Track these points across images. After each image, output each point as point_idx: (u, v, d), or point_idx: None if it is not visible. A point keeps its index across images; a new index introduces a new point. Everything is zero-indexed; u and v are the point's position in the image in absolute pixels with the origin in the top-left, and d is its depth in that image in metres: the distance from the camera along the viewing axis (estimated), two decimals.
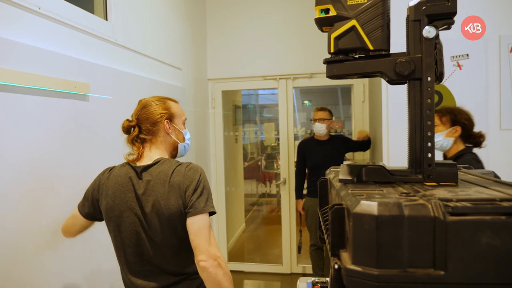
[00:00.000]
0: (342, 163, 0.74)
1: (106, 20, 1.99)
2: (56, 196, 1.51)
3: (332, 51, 0.75)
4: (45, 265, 1.45)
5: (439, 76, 0.71)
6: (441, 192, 0.60)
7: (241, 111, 5.18)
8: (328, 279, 1.50)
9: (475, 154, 1.83)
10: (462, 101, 2.28)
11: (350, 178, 0.73)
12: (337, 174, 0.81)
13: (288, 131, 3.72)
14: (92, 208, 1.34)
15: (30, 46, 1.38)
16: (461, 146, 1.85)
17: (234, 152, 4.74)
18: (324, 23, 0.75)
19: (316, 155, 3.24)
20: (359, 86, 3.57)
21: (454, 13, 0.68)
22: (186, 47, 3.16)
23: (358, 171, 0.73)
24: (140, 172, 1.27)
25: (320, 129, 3.17)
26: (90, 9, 1.90)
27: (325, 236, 0.71)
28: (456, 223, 0.51)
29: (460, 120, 1.83)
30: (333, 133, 3.58)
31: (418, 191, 0.62)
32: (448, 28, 0.70)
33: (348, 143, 3.31)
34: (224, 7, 3.72)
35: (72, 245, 1.58)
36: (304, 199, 3.36)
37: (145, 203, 1.23)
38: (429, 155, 0.70)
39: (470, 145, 1.86)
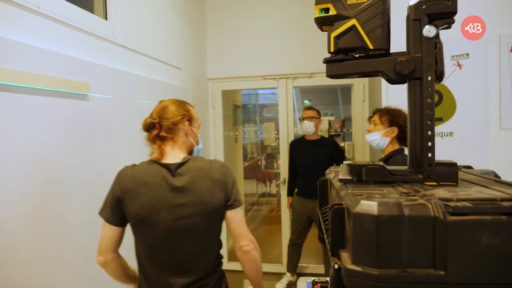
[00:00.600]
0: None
1: (106, 19, 1.99)
2: (56, 196, 1.51)
3: (332, 50, 0.74)
4: (45, 265, 1.45)
5: (439, 76, 0.71)
6: (441, 192, 0.60)
7: (241, 110, 5.18)
8: (328, 278, 1.50)
9: (406, 156, 1.86)
10: (462, 100, 2.28)
11: (350, 177, 0.73)
12: (337, 173, 0.81)
13: (288, 130, 3.72)
14: (120, 212, 1.27)
15: (30, 46, 1.38)
16: (396, 146, 1.91)
17: (234, 152, 4.74)
18: (324, 23, 0.75)
19: (303, 154, 3.29)
20: (359, 85, 3.56)
21: (454, 12, 0.68)
22: (186, 46, 3.16)
23: (358, 171, 0.73)
24: (174, 169, 1.28)
25: (309, 127, 3.22)
26: (90, 9, 1.90)
27: (325, 236, 0.71)
28: (456, 223, 0.50)
29: (398, 122, 1.87)
30: (333, 133, 3.60)
31: (418, 191, 0.61)
32: (449, 27, 0.70)
33: (336, 150, 3.32)
34: (224, 6, 3.72)
35: (77, 245, 1.58)
36: (293, 197, 3.44)
37: (186, 199, 1.26)
38: (429, 154, 0.69)
39: (404, 147, 1.92)
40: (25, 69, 1.34)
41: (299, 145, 3.37)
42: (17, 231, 1.32)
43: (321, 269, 3.57)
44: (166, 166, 1.29)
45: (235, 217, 1.34)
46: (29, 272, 1.36)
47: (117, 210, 1.27)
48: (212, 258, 1.36)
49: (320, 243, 0.86)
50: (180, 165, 1.30)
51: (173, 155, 1.33)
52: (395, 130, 1.88)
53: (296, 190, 3.41)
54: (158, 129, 1.33)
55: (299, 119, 3.41)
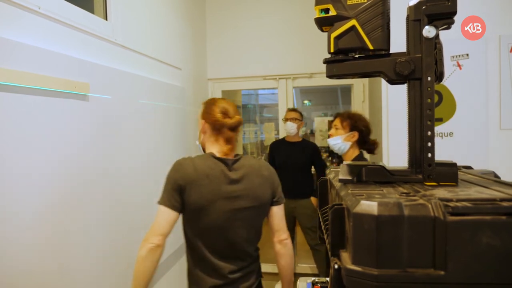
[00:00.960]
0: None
1: (106, 20, 1.99)
2: (55, 196, 1.51)
3: (332, 50, 0.74)
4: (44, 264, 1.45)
5: (439, 76, 0.71)
6: (441, 192, 0.60)
7: (241, 111, 5.18)
8: (328, 279, 1.50)
9: (366, 160, 2.00)
10: (462, 101, 2.28)
11: (350, 178, 0.73)
12: (337, 174, 0.81)
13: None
14: (180, 200, 1.37)
15: (29, 46, 1.38)
16: (356, 151, 1.98)
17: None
18: (324, 23, 0.75)
19: (284, 155, 3.35)
20: (359, 86, 3.56)
21: (454, 13, 0.68)
22: (186, 46, 3.16)
23: (358, 171, 0.73)
24: (231, 164, 1.42)
25: (291, 128, 3.28)
26: (90, 9, 1.90)
27: (325, 236, 0.71)
28: (456, 223, 0.51)
29: (359, 127, 1.94)
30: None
31: (418, 191, 0.62)
32: (448, 28, 0.70)
33: (315, 154, 3.35)
34: (224, 6, 3.72)
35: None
36: None
37: (241, 192, 1.40)
38: (429, 155, 0.70)
39: (362, 151, 2.02)
40: (24, 69, 1.34)
41: (279, 147, 3.44)
42: (16, 231, 1.32)
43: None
44: (224, 161, 1.42)
45: (279, 213, 1.51)
46: (26, 270, 1.37)
47: (178, 198, 1.36)
48: (255, 248, 1.51)
49: (321, 243, 0.86)
50: (235, 161, 1.44)
51: (232, 152, 1.47)
52: (355, 135, 1.95)
53: None
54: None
55: (282, 119, 3.47)
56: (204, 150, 1.54)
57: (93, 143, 1.75)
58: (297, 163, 3.28)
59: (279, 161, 3.37)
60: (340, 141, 1.94)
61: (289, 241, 1.52)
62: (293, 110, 3.39)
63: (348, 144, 1.95)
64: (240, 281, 1.43)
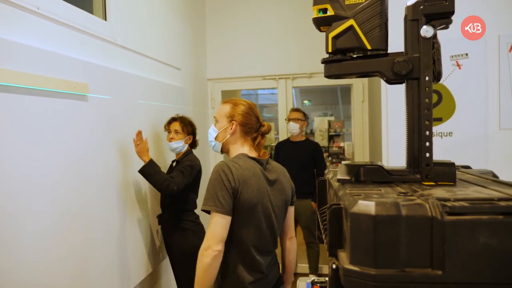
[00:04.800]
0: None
1: (105, 20, 1.99)
2: (54, 196, 1.51)
3: (330, 50, 0.75)
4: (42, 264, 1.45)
5: (437, 76, 0.71)
6: (439, 192, 0.60)
7: None
8: (327, 278, 1.50)
9: (193, 152, 2.46)
10: (461, 100, 2.28)
11: (348, 177, 0.73)
12: (335, 173, 0.81)
13: (287, 131, 3.71)
14: (232, 202, 1.39)
15: (29, 47, 1.38)
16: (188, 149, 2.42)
17: None
18: (322, 23, 0.75)
19: (287, 154, 3.39)
20: (358, 85, 3.56)
21: (452, 13, 0.68)
22: (185, 47, 3.16)
23: (356, 171, 0.73)
24: (265, 164, 1.50)
25: (293, 128, 3.31)
26: (89, 9, 1.90)
27: (323, 236, 0.71)
28: (454, 222, 0.51)
29: (194, 131, 2.41)
30: (332, 133, 3.61)
31: (416, 191, 0.62)
32: (446, 27, 0.70)
33: (317, 153, 3.36)
34: (223, 7, 3.72)
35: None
36: None
37: (275, 191, 1.49)
38: (427, 154, 0.70)
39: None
40: (24, 70, 1.34)
41: (284, 146, 3.47)
42: (16, 231, 1.32)
43: (321, 269, 3.57)
44: (259, 161, 1.48)
45: (292, 212, 1.63)
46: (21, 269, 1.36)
47: (230, 201, 1.38)
48: (277, 242, 1.59)
49: (320, 243, 0.86)
50: (267, 162, 1.52)
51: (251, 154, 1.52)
52: (191, 138, 2.39)
53: None
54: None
55: (285, 119, 3.49)
56: (223, 150, 1.56)
57: (92, 143, 1.75)
58: (299, 162, 3.29)
59: (282, 160, 3.38)
60: (182, 144, 2.33)
61: (295, 238, 1.68)
62: (296, 110, 3.40)
63: (186, 146, 2.36)
64: (271, 273, 1.53)
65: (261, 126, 1.54)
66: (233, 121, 1.51)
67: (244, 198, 1.39)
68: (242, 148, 1.51)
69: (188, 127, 2.36)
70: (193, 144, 2.44)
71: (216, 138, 1.56)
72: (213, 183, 1.39)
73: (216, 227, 1.36)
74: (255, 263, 1.45)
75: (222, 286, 1.47)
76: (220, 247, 1.36)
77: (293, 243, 1.67)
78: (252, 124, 1.52)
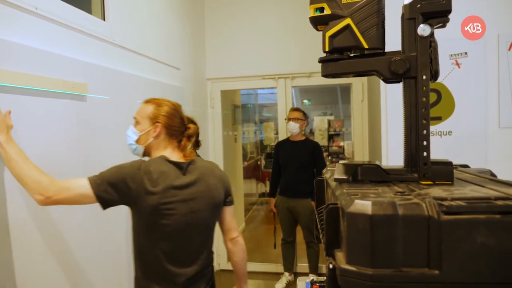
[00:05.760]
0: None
1: (104, 20, 1.98)
2: None
3: (327, 49, 0.74)
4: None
5: (434, 75, 0.71)
6: (436, 191, 0.59)
7: (240, 110, 5.17)
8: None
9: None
10: (460, 99, 2.27)
11: (345, 177, 0.73)
12: (333, 173, 0.81)
13: (287, 130, 3.71)
14: (119, 197, 1.26)
15: (27, 47, 1.38)
16: None
17: (234, 152, 4.73)
18: (318, 22, 0.75)
19: (286, 154, 3.39)
20: (358, 85, 3.56)
21: (449, 11, 0.67)
22: (184, 46, 3.16)
23: (354, 170, 0.73)
24: (185, 167, 1.37)
25: (293, 128, 3.30)
26: (88, 10, 1.90)
27: (321, 236, 0.71)
28: (451, 222, 0.50)
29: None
30: (332, 132, 3.61)
31: (413, 190, 0.61)
32: (443, 26, 0.69)
33: (317, 154, 3.35)
34: (222, 6, 3.71)
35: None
36: (276, 197, 3.53)
37: (197, 194, 1.36)
38: (425, 153, 0.69)
39: None
40: (22, 70, 1.34)
41: (283, 146, 3.47)
42: (16, 230, 1.32)
43: (321, 268, 3.57)
44: (180, 165, 1.36)
45: (230, 212, 1.53)
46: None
47: (115, 194, 1.29)
48: (209, 251, 1.47)
49: (318, 242, 0.86)
50: (188, 164, 1.39)
51: (181, 155, 1.42)
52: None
53: (278, 189, 3.49)
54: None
55: (285, 119, 3.48)
56: (145, 153, 1.44)
57: (91, 143, 1.75)
58: (299, 161, 3.30)
59: (282, 159, 3.41)
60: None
61: (240, 238, 1.56)
62: (296, 110, 3.39)
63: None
64: (199, 285, 1.39)
65: (186, 128, 1.44)
66: (157, 123, 1.37)
67: (150, 203, 1.26)
68: (164, 151, 1.39)
69: None
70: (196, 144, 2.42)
71: (137, 141, 1.40)
72: (119, 169, 1.28)
73: (71, 184, 1.26)
74: (170, 275, 1.32)
75: None
76: (49, 198, 1.22)
77: (236, 244, 1.54)
78: (177, 126, 1.40)
